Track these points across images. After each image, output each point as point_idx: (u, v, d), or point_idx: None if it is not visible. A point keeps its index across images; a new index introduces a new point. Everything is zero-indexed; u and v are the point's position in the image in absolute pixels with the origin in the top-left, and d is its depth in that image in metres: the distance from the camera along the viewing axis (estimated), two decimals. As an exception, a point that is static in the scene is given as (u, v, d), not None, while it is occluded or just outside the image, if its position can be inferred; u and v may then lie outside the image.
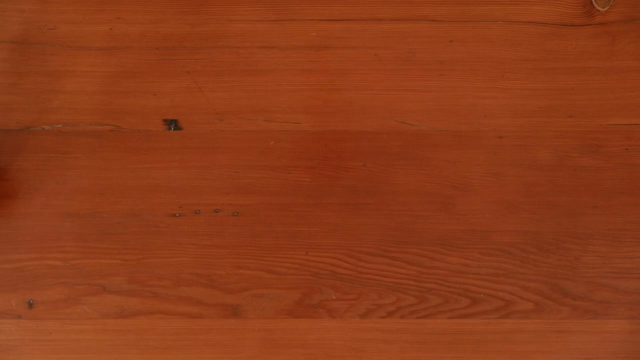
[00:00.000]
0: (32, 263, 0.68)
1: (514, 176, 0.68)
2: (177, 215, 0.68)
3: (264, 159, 0.68)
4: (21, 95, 0.68)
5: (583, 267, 0.68)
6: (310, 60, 0.68)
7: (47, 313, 0.68)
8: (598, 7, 0.68)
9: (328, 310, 0.68)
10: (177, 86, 0.68)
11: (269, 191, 0.67)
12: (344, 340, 0.68)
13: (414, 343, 0.68)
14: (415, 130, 0.68)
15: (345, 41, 0.68)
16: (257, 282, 0.67)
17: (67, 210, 0.68)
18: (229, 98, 0.68)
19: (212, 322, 0.67)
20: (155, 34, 0.68)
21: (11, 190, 0.68)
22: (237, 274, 0.66)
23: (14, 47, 0.68)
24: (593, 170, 0.68)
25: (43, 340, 0.68)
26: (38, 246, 0.68)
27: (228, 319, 0.65)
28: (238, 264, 0.67)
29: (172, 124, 0.68)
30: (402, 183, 0.68)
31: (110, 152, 0.68)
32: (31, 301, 0.68)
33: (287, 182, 0.68)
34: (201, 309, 0.68)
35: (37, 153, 0.68)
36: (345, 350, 0.68)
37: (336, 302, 0.68)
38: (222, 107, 0.68)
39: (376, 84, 0.69)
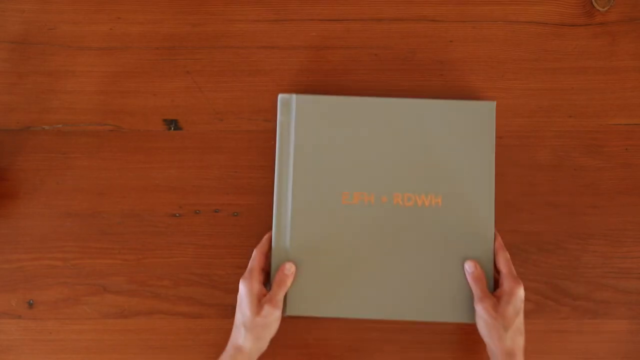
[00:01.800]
0: (32, 263, 0.68)
1: (514, 176, 0.68)
2: (177, 215, 0.68)
3: (264, 159, 0.68)
4: (21, 95, 0.68)
5: (583, 267, 0.68)
6: (310, 60, 0.68)
7: (47, 313, 0.68)
8: (598, 7, 0.68)
9: (328, 310, 0.68)
10: (177, 86, 0.68)
11: (269, 191, 0.67)
12: (344, 340, 0.68)
13: (414, 343, 0.68)
14: (415, 130, 0.68)
15: (345, 41, 0.68)
16: (257, 282, 0.67)
17: (67, 210, 0.68)
18: (229, 98, 0.68)
19: (212, 322, 0.67)
20: (155, 34, 0.68)
21: (11, 190, 0.68)
22: (237, 274, 0.66)
23: (14, 47, 0.68)
24: (593, 170, 0.68)
25: (43, 340, 0.68)
26: (38, 246, 0.68)
27: (228, 319, 0.65)
28: (238, 264, 0.67)
29: (172, 124, 0.68)
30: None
31: (110, 152, 0.68)
32: (31, 301, 0.68)
33: (287, 182, 0.68)
34: (201, 309, 0.68)
35: (37, 153, 0.68)
36: (345, 350, 0.68)
37: (336, 302, 0.68)
38: (222, 107, 0.68)
39: (376, 84, 0.69)
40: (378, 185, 0.65)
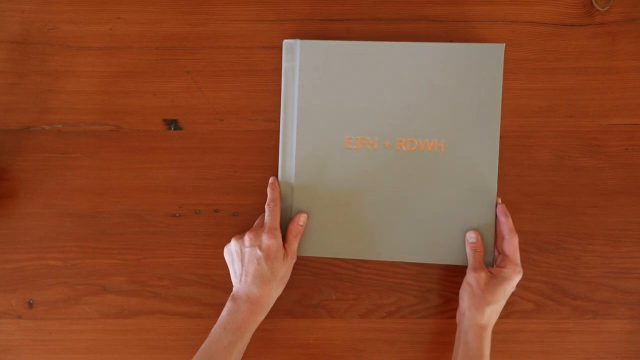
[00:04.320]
0: (32, 263, 0.68)
1: (514, 176, 0.68)
2: (177, 215, 0.68)
3: (264, 159, 0.68)
4: (21, 95, 0.68)
5: (583, 267, 0.68)
6: (310, 60, 0.68)
7: (47, 313, 0.68)
8: (598, 7, 0.68)
9: (328, 310, 0.68)
10: (177, 86, 0.68)
11: (269, 191, 0.67)
12: (344, 340, 0.68)
13: (414, 343, 0.68)
14: (415, 130, 0.68)
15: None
16: (257, 282, 0.67)
17: (67, 210, 0.68)
18: (229, 98, 0.68)
19: (212, 322, 0.66)
20: (155, 34, 0.68)
21: (11, 190, 0.68)
22: (237, 274, 0.66)
23: (14, 47, 0.68)
24: (593, 170, 0.68)
25: (43, 340, 0.68)
26: (38, 246, 0.68)
27: (228, 319, 0.65)
28: (238, 264, 0.67)
29: (172, 124, 0.68)
30: (402, 183, 0.68)
31: (110, 152, 0.68)
32: (31, 301, 0.68)
33: (287, 182, 0.68)
34: (201, 309, 0.68)
35: (37, 153, 0.68)
36: (345, 350, 0.68)
37: (336, 302, 0.68)
38: (222, 107, 0.68)
39: (376, 84, 0.69)
40: (381, 130, 0.65)
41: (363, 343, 0.68)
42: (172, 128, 0.68)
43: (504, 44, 0.64)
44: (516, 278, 0.61)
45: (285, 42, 0.66)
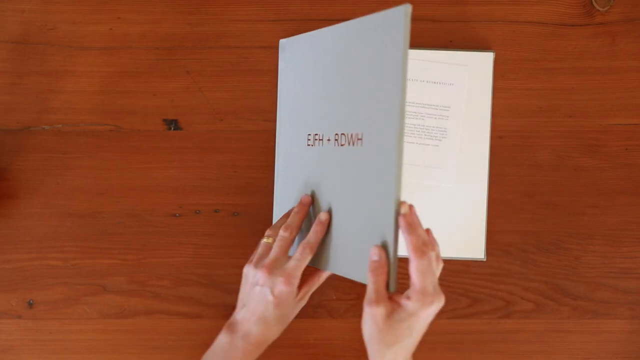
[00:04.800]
0: (32, 263, 0.68)
1: (514, 176, 0.68)
2: (177, 215, 0.68)
3: (264, 159, 0.68)
4: (21, 95, 0.68)
5: (583, 267, 0.68)
6: (310, 60, 0.68)
7: (47, 313, 0.68)
8: (598, 7, 0.68)
9: (328, 310, 0.68)
10: (177, 86, 0.68)
11: (268, 191, 0.67)
12: (344, 340, 0.68)
13: (414, 343, 0.68)
14: (415, 130, 0.68)
15: (345, 41, 0.68)
16: (257, 282, 0.67)
17: (67, 210, 0.68)
18: (229, 98, 0.68)
19: (212, 322, 0.67)
20: (155, 34, 0.68)
21: (11, 190, 0.68)
22: (237, 274, 0.66)
23: (14, 47, 0.68)
24: (593, 170, 0.68)
25: (43, 340, 0.68)
26: (38, 246, 0.68)
27: (228, 319, 0.65)
28: (238, 264, 0.67)
29: (172, 124, 0.68)
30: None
31: (110, 152, 0.68)
32: (31, 301, 0.68)
33: (287, 182, 0.68)
34: (201, 309, 0.68)
35: (37, 153, 0.68)
36: (345, 350, 0.68)
37: (336, 302, 0.68)
38: (222, 107, 0.68)
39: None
40: (324, 124, 0.58)
41: (363, 343, 0.68)
42: (172, 128, 0.68)
43: (409, 5, 0.47)
44: (426, 312, 0.49)
45: (280, 41, 0.66)
